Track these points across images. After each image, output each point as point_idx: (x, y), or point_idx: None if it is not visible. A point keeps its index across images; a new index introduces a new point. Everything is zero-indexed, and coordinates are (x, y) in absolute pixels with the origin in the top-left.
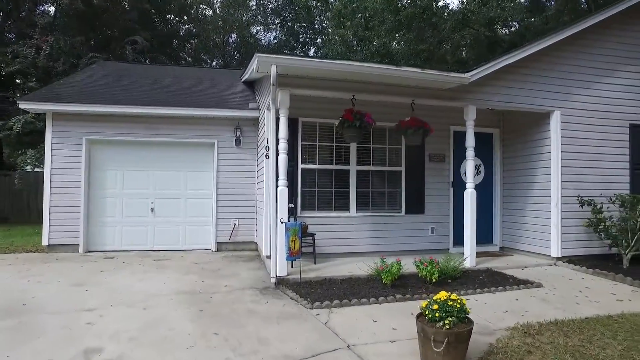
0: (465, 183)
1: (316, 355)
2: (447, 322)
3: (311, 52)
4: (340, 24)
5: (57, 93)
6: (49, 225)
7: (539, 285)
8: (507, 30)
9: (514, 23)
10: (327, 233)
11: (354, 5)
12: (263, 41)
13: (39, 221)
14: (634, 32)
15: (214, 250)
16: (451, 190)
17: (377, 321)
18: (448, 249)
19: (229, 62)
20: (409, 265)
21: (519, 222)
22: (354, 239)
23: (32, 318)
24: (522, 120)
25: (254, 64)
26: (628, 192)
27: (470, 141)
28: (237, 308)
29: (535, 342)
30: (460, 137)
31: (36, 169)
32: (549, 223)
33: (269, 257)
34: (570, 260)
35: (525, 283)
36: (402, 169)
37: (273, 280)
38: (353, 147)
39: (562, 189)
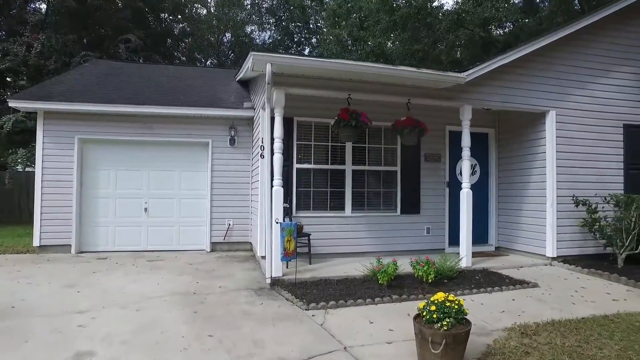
0: (461, 183)
1: (312, 358)
2: (445, 323)
3: (306, 52)
4: (335, 23)
5: (49, 91)
6: (40, 226)
7: (535, 285)
8: (501, 31)
9: (508, 24)
10: (322, 233)
11: (349, 5)
12: (258, 40)
13: (30, 221)
14: (627, 33)
15: (209, 250)
16: (447, 190)
17: (374, 322)
18: (444, 249)
19: (224, 62)
20: (405, 266)
21: (515, 222)
22: (349, 239)
23: (22, 321)
24: (518, 120)
25: (248, 63)
26: (622, 191)
27: (466, 141)
28: (231, 309)
29: (533, 343)
30: (455, 137)
31: (27, 169)
32: (545, 223)
33: (264, 257)
34: (566, 260)
35: (522, 283)
36: (398, 168)
37: (268, 281)
38: (349, 146)
39: (557, 188)
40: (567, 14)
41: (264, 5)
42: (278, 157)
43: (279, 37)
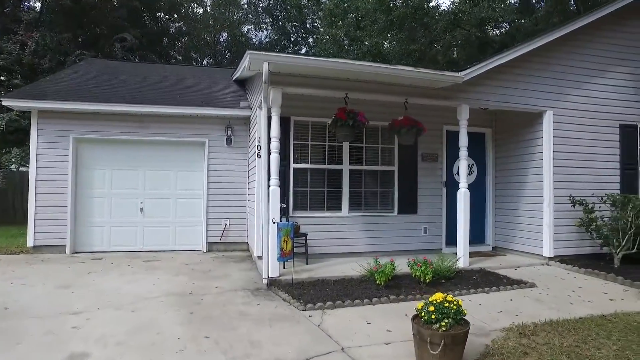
0: (458, 183)
1: (310, 359)
2: (444, 324)
3: (302, 52)
4: (332, 23)
5: (43, 90)
6: (35, 226)
7: (533, 285)
8: (497, 32)
9: (505, 24)
10: (319, 233)
11: (346, 4)
12: (254, 40)
13: (24, 222)
14: (623, 34)
15: (205, 250)
16: (444, 190)
17: (371, 323)
18: (441, 249)
19: (220, 61)
20: (402, 266)
21: (512, 222)
22: (346, 239)
23: (15, 323)
24: (515, 120)
25: (245, 62)
26: (618, 191)
27: (463, 141)
28: (228, 310)
29: (531, 343)
30: (453, 137)
31: (21, 168)
32: (541, 223)
33: (260, 257)
34: (562, 259)
35: (519, 283)
36: (395, 168)
37: (265, 281)
38: (346, 146)
39: (554, 188)
40: (562, 15)
41: (261, 5)
42: (275, 157)
43: (276, 37)
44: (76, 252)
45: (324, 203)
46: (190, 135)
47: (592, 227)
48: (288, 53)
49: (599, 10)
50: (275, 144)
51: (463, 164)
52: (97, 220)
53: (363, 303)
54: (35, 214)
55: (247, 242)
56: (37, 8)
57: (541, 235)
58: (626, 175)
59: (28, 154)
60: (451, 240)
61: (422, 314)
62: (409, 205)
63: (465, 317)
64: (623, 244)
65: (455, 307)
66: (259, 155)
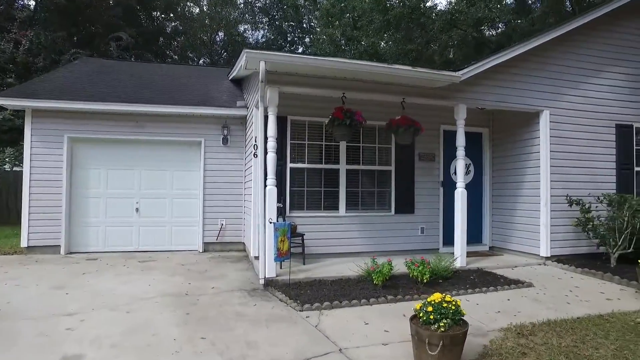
0: (455, 182)
1: None
2: (442, 324)
3: (299, 51)
4: (329, 23)
5: (37, 89)
6: (29, 226)
7: (530, 285)
8: (494, 32)
9: (501, 24)
10: (316, 233)
11: (342, 4)
12: (251, 40)
13: (18, 222)
14: (619, 34)
15: (201, 251)
16: (441, 189)
17: (369, 323)
18: (438, 249)
19: (216, 61)
20: (399, 266)
21: (509, 222)
22: (343, 239)
23: (7, 325)
24: (512, 119)
25: (242, 61)
26: (614, 191)
27: (460, 140)
28: (224, 311)
29: (529, 343)
30: (450, 137)
31: (15, 168)
32: (538, 223)
33: (257, 257)
34: (559, 259)
35: (516, 283)
36: (392, 168)
37: (261, 281)
38: (343, 146)
39: (551, 188)
40: (558, 15)
41: (257, 5)
42: (272, 156)
43: (272, 37)
44: (71, 253)
45: (321, 203)
46: (187, 135)
47: (588, 226)
48: (285, 52)
49: (595, 11)
50: (272, 144)
51: (460, 164)
52: (93, 220)
53: (360, 303)
54: (29, 214)
55: (243, 242)
56: (32, 6)
57: (538, 235)
58: (622, 175)
59: (22, 153)
60: (448, 240)
61: (421, 315)
62: (406, 205)
63: (464, 318)
64: (619, 243)
65: (453, 308)
66: (255, 155)
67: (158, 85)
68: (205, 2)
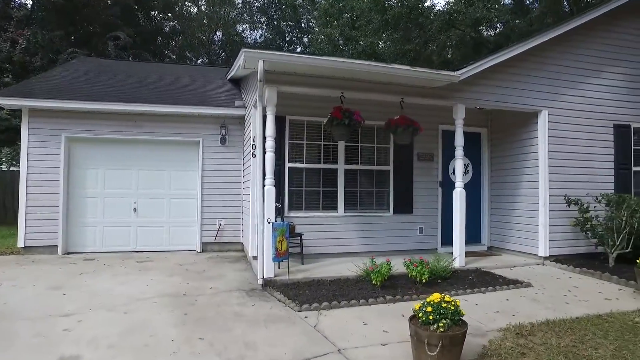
0: (454, 182)
1: None
2: (442, 324)
3: (297, 51)
4: (327, 23)
5: (34, 88)
6: (25, 226)
7: (529, 285)
8: (492, 32)
9: (499, 24)
10: (315, 233)
11: (341, 4)
12: (249, 39)
13: (14, 222)
14: (617, 34)
15: (199, 251)
16: (439, 189)
17: (368, 323)
18: (436, 249)
19: (215, 61)
20: (398, 266)
21: (507, 222)
22: (342, 239)
23: (4, 325)
24: (510, 119)
25: (240, 60)
26: (613, 191)
27: (459, 140)
28: (222, 311)
29: (528, 343)
30: (448, 137)
31: (12, 168)
32: (537, 222)
33: (255, 258)
34: (558, 259)
35: (515, 283)
36: (391, 168)
37: (260, 281)
38: (341, 145)
39: (549, 188)
40: (556, 16)
41: (256, 4)
42: (270, 156)
43: (271, 37)
44: (68, 253)
45: (319, 203)
46: (185, 135)
47: (587, 226)
48: (283, 51)
49: (593, 11)
50: (270, 143)
51: (459, 164)
52: (90, 220)
53: (359, 303)
54: (26, 214)
55: (241, 242)
56: (29, 5)
57: (536, 235)
58: (620, 175)
59: (19, 153)
60: (447, 240)
61: (420, 315)
62: (404, 205)
63: (463, 318)
64: (617, 243)
65: (453, 308)
66: (254, 155)
67: (156, 84)
68: (203, 2)
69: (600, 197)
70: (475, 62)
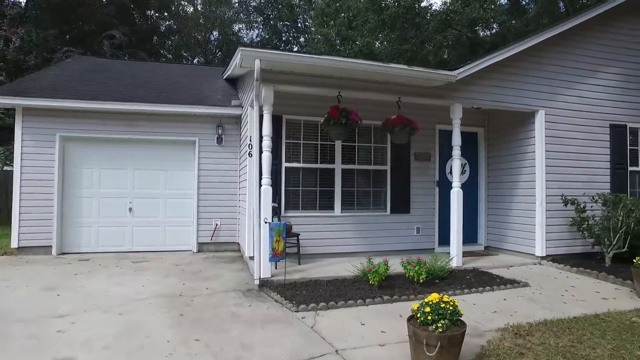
0: (451, 182)
1: None
2: (440, 325)
3: (294, 50)
4: (324, 23)
5: (28, 87)
6: (19, 227)
7: (526, 285)
8: (488, 32)
9: (496, 25)
10: (311, 233)
11: (337, 4)
12: (245, 39)
13: (8, 222)
14: (613, 35)
15: (195, 251)
16: (436, 189)
17: (365, 324)
18: (433, 249)
19: (211, 60)
20: (395, 266)
21: (504, 222)
22: (339, 239)
23: None
24: (507, 119)
25: (237, 59)
26: (609, 190)
27: (456, 140)
28: (219, 312)
29: (527, 343)
30: (445, 136)
31: (6, 167)
32: (534, 222)
33: (252, 258)
34: (554, 259)
35: (512, 283)
36: (388, 168)
37: (256, 282)
38: (338, 145)
39: (546, 188)
40: (552, 16)
41: (252, 4)
42: (267, 156)
43: (267, 36)
44: (63, 253)
45: (316, 203)
46: (181, 134)
47: (583, 226)
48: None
49: (589, 12)
50: (267, 143)
51: (456, 164)
52: (85, 221)
53: (357, 304)
54: (20, 214)
55: (238, 243)
56: (22, 3)
57: (533, 234)
58: (616, 175)
59: (13, 152)
60: (444, 239)
61: (418, 315)
62: (401, 205)
63: (461, 318)
64: (614, 243)
65: (451, 308)
66: (250, 154)
67: (152, 84)
68: (199, 1)
69: (596, 197)
70: (473, 61)
